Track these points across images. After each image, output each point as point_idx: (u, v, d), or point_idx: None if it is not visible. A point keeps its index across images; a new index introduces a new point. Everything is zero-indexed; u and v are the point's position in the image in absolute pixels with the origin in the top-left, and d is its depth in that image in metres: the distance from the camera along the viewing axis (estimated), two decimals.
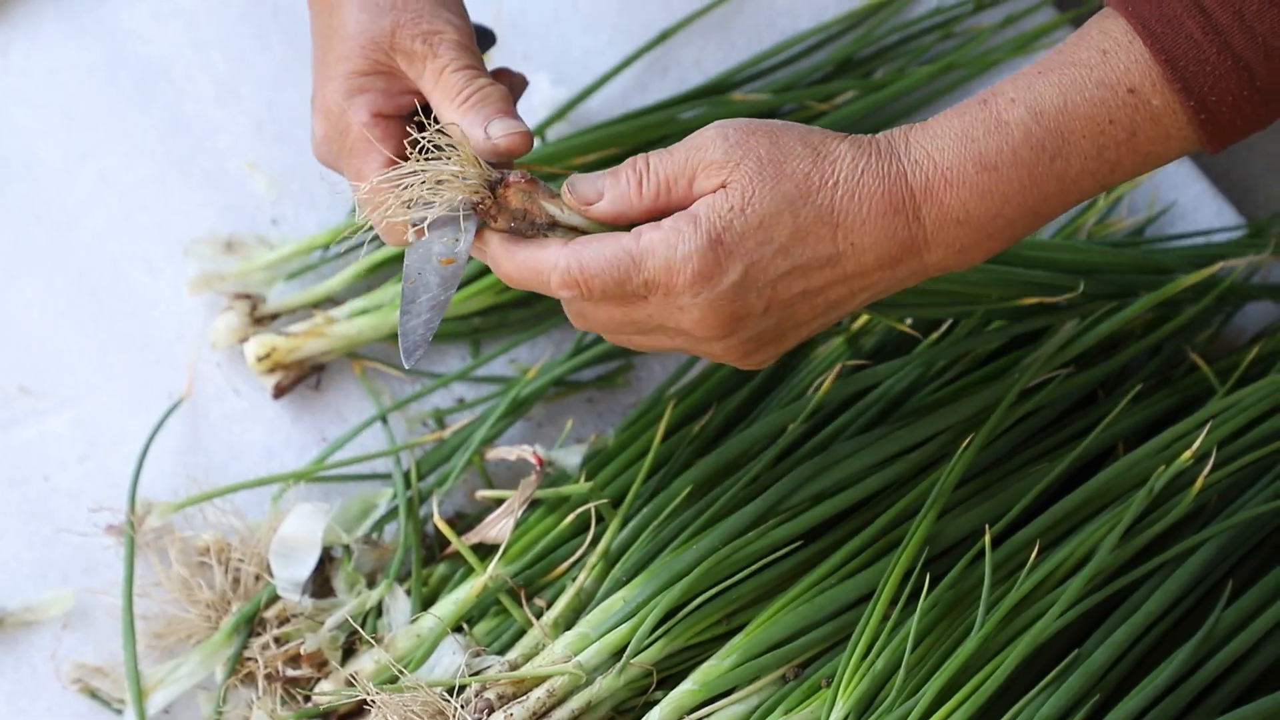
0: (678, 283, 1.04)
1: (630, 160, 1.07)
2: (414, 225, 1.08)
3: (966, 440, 1.22)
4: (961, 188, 1.05)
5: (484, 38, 1.24)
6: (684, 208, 1.06)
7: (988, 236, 1.06)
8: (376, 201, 1.08)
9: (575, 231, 1.07)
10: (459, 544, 1.23)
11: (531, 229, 1.07)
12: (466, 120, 1.08)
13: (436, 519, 1.23)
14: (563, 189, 1.07)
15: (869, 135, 1.07)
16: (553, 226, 1.07)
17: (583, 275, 1.05)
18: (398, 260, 1.38)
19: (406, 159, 1.08)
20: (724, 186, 1.05)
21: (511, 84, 1.17)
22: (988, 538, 1.18)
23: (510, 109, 1.09)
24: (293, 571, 1.25)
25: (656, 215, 1.06)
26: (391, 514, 1.29)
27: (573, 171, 1.11)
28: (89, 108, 1.47)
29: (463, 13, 1.13)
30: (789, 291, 1.06)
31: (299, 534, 1.25)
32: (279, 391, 1.36)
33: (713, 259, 1.04)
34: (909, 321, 1.31)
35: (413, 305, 1.08)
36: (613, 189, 1.06)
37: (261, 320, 1.37)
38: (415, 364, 1.09)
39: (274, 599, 1.25)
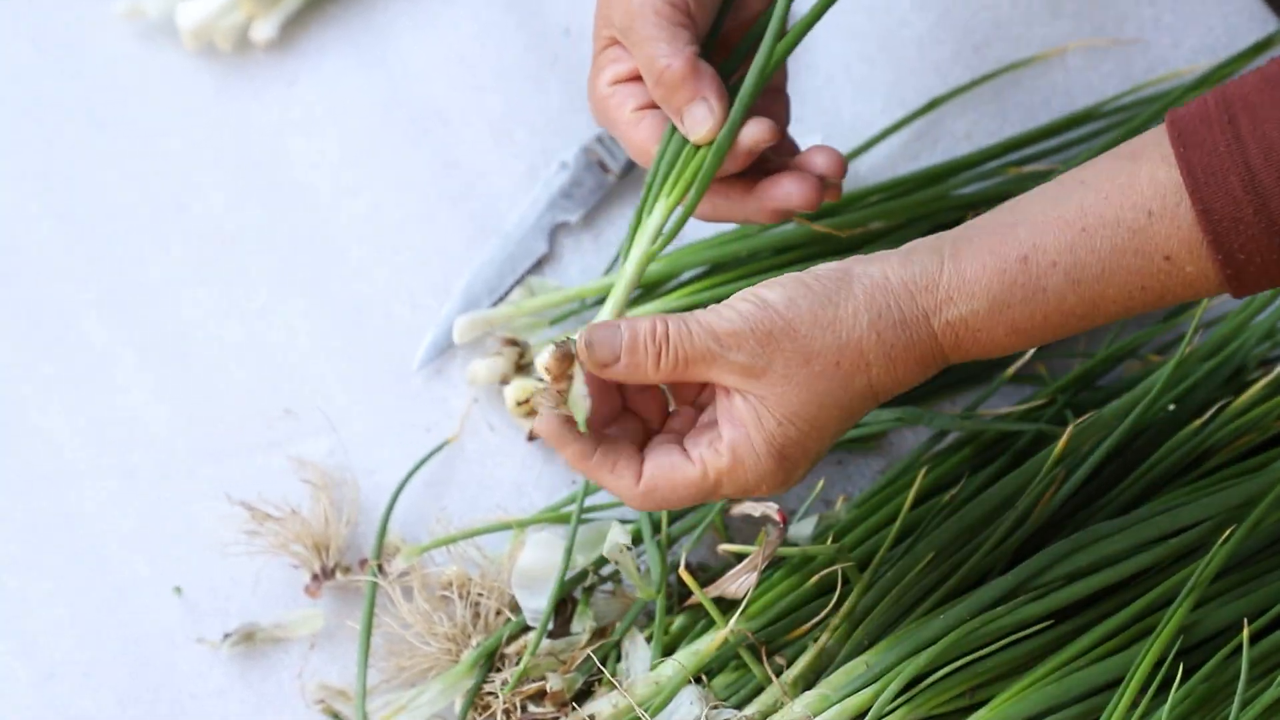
0: (756, 492, 1.10)
1: (650, 325, 1.07)
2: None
3: (1228, 532, 1.19)
4: (990, 345, 1.08)
5: None
6: (698, 385, 1.10)
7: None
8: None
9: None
10: (701, 595, 1.22)
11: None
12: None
13: (682, 570, 1.23)
14: (579, 345, 1.07)
15: (890, 285, 1.07)
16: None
17: (663, 503, 1.09)
18: None
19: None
20: (759, 398, 1.07)
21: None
22: (1245, 632, 1.15)
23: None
24: (539, 601, 1.25)
25: (668, 383, 1.10)
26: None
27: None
28: (366, 142, 1.50)
29: None
30: (838, 437, 1.11)
31: (539, 563, 1.26)
32: (534, 435, 1.37)
33: (783, 471, 1.09)
34: (1170, 407, 1.29)
35: None
36: (629, 355, 1.07)
37: (524, 367, 1.38)
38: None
39: (516, 634, 1.26)
